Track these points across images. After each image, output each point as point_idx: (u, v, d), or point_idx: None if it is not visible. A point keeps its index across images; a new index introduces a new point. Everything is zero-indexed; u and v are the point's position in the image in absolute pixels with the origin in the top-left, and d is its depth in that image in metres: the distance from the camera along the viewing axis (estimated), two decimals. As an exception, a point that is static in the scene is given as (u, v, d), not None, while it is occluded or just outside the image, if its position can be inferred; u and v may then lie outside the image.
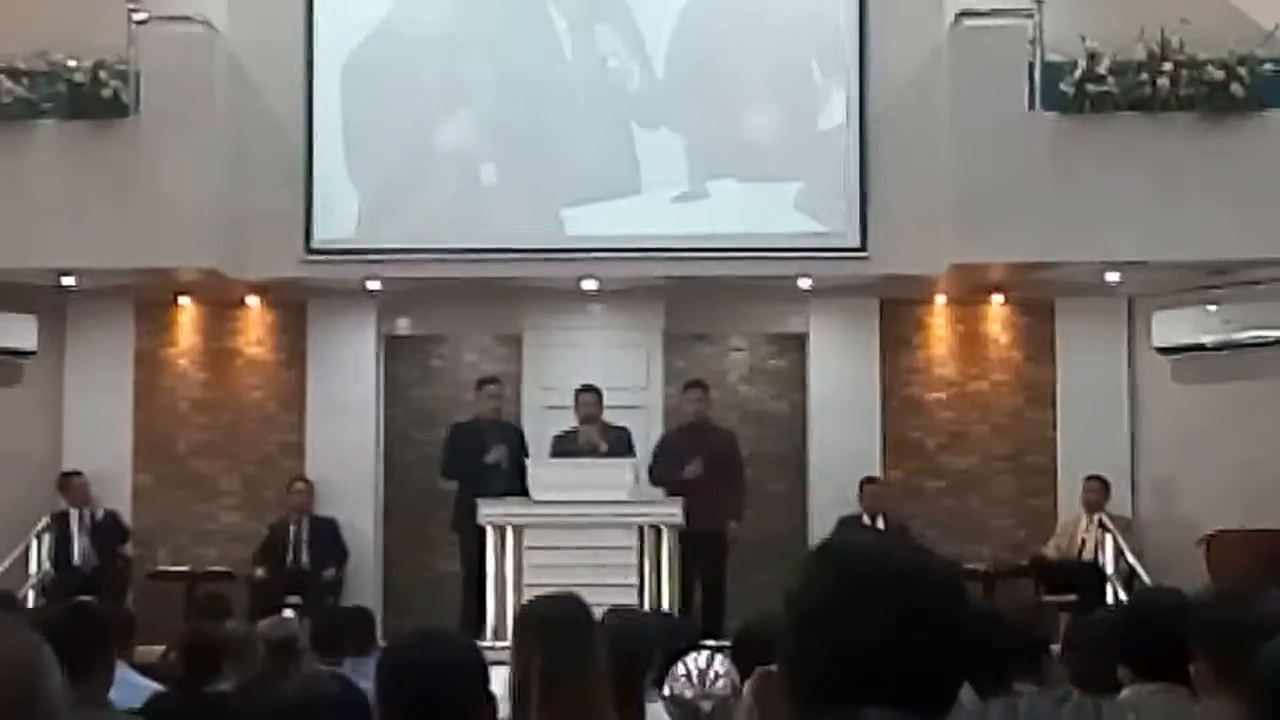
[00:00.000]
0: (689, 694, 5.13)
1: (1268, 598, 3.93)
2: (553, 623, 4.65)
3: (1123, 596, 13.59)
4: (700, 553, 13.89)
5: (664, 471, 14.32)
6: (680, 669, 5.22)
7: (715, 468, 14.29)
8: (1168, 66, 13.92)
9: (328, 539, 15.21)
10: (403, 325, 16.23)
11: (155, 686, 7.27)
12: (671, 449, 14.55)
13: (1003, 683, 5.87)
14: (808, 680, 2.15)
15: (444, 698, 3.86)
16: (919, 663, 2.11)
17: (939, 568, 2.21)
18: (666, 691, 5.21)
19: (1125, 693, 4.53)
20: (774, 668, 2.25)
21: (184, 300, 15.81)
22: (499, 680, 4.81)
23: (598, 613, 5.27)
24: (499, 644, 11.19)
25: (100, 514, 15.12)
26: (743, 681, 5.12)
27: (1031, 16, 14.11)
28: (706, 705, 5.10)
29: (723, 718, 5.06)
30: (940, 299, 15.72)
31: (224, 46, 14.74)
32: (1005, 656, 5.95)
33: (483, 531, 13.17)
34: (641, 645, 5.52)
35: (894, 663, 2.10)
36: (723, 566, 14.32)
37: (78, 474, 15.24)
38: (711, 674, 5.16)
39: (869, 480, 15.14)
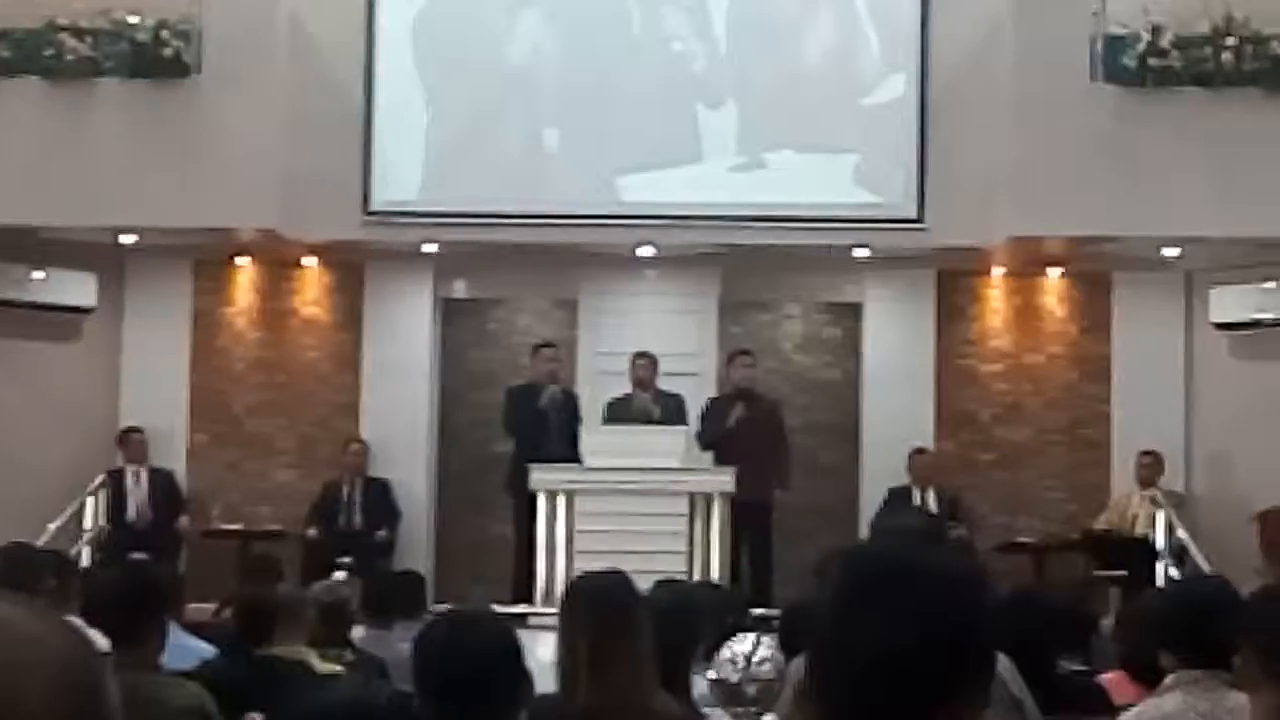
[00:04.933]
0: (734, 678, 5.15)
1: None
2: (599, 600, 4.68)
3: (1174, 573, 13.56)
4: (746, 521, 13.89)
5: (711, 431, 14.36)
6: (725, 652, 5.24)
7: (759, 434, 14.30)
8: (1231, 41, 13.82)
9: (380, 500, 15.29)
10: (459, 288, 16.28)
11: (207, 648, 7.35)
12: (717, 411, 14.59)
13: (1047, 661, 5.89)
14: (828, 684, 2.17)
15: (479, 680, 3.90)
16: (940, 666, 2.13)
17: (961, 570, 2.23)
18: (711, 675, 5.24)
19: (1167, 679, 4.54)
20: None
21: (241, 260, 15.89)
22: (547, 649, 4.86)
23: (647, 582, 5.31)
24: (547, 609, 11.26)
25: (153, 473, 15.22)
26: (788, 661, 5.15)
27: (1094, -11, 14.04)
28: (751, 689, 5.12)
29: (767, 701, 5.08)
30: (997, 271, 15.68)
31: (286, 7, 14.76)
32: (1050, 635, 5.96)
33: (534, 495, 13.22)
34: (689, 620, 5.55)
35: (910, 665, 2.11)
36: (769, 536, 14.35)
37: (138, 430, 15.35)
38: (757, 658, 5.18)
39: (919, 451, 15.13)
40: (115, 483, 15.11)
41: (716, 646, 5.35)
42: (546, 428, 14.38)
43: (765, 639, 5.34)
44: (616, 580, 4.77)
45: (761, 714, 5.09)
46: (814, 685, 2.19)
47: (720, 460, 13.94)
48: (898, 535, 4.91)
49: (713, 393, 15.31)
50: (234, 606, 7.10)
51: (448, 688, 3.89)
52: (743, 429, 14.29)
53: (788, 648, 5.28)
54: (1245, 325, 14.96)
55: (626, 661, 4.56)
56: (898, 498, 14.74)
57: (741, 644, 5.25)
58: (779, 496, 14.47)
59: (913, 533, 5.01)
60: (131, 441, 15.31)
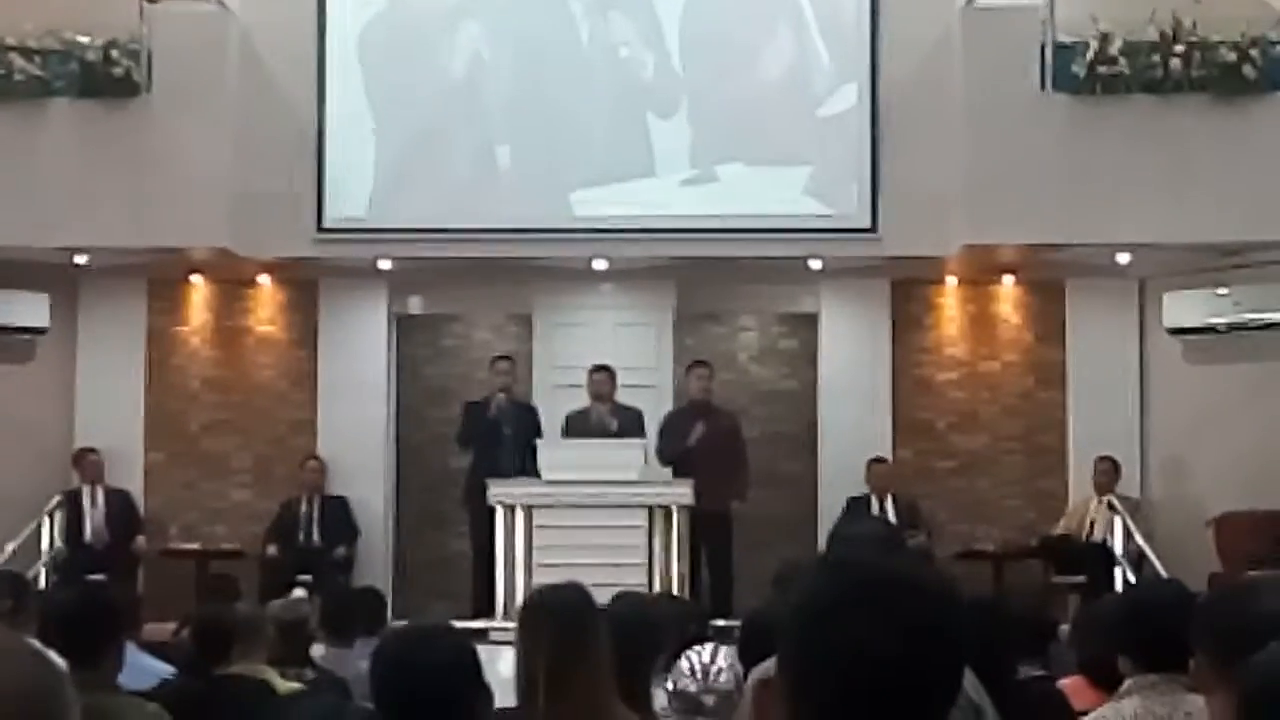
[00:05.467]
0: (692, 688, 5.15)
1: (1269, 595, 3.95)
2: (557, 613, 4.67)
3: (1131, 578, 13.60)
4: (705, 533, 13.93)
5: (669, 445, 14.38)
6: (684, 663, 5.23)
7: (718, 448, 14.34)
8: (1180, 48, 13.90)
9: (339, 517, 15.26)
10: (414, 304, 16.26)
11: (165, 668, 7.32)
12: (676, 427, 14.61)
13: (1007, 669, 5.89)
14: (807, 693, 2.17)
15: (438, 694, 3.90)
16: (918, 673, 2.14)
17: (938, 580, 2.24)
18: (670, 685, 5.23)
19: (1125, 683, 4.56)
20: (769, 671, 2.27)
21: (196, 279, 15.84)
22: (507, 663, 4.85)
23: (606, 594, 5.30)
24: (508, 624, 11.24)
25: (109, 493, 15.15)
26: (747, 673, 5.15)
27: (1043, -2, 14.12)
28: (709, 700, 5.11)
29: (726, 712, 5.08)
30: (951, 280, 15.72)
31: (236, 25, 14.75)
32: (1009, 641, 5.97)
33: (493, 510, 13.21)
34: (649, 632, 5.54)
35: (893, 676, 2.12)
36: (729, 547, 14.38)
37: (93, 451, 15.29)
38: (715, 668, 5.18)
39: (877, 460, 15.14)
40: (72, 503, 15.04)
41: (675, 657, 5.34)
42: (500, 441, 14.39)
43: (723, 649, 5.33)
44: (575, 593, 4.76)
45: (720, 724, 5.09)
46: (791, 687, 2.19)
47: (679, 473, 13.96)
48: (857, 543, 4.90)
49: (669, 405, 15.33)
50: (191, 626, 7.09)
51: (406, 703, 3.88)
52: (701, 441, 14.31)
53: (747, 658, 5.28)
54: (1199, 330, 15.02)
55: (586, 674, 4.55)
56: (856, 506, 14.75)
57: (700, 654, 5.24)
58: (737, 508, 14.50)
59: (872, 540, 5.01)
60: (87, 462, 15.24)
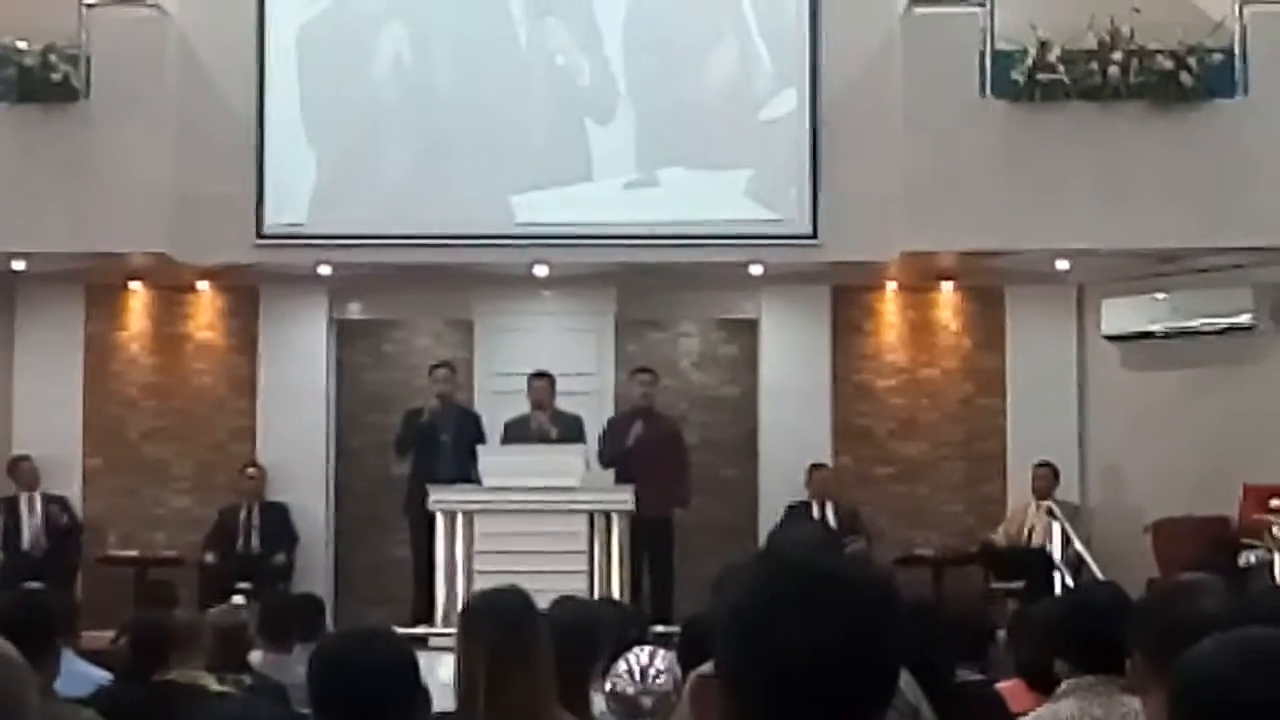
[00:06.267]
0: (630, 690, 5.15)
1: (1205, 595, 3.98)
2: (497, 617, 4.66)
3: (1070, 583, 13.65)
4: (647, 539, 13.96)
5: (609, 447, 14.41)
6: (621, 665, 5.23)
7: (660, 454, 14.37)
8: (1118, 56, 13.99)
9: (278, 524, 15.21)
10: (354, 310, 16.21)
11: (102, 675, 7.27)
12: (617, 430, 14.64)
13: (945, 671, 5.91)
14: (746, 689, 2.17)
15: (375, 697, 3.89)
16: (857, 672, 2.14)
17: (877, 577, 2.25)
18: (608, 687, 5.23)
19: (1062, 685, 4.58)
20: (708, 671, 2.26)
21: (134, 285, 15.76)
22: (448, 669, 4.84)
23: (547, 600, 5.29)
24: (448, 630, 11.21)
25: (50, 501, 15.05)
26: (685, 675, 5.14)
27: (983, 4, 14.18)
28: (647, 701, 5.12)
29: (664, 713, 5.08)
30: (891, 286, 15.77)
31: (175, 31, 14.70)
32: (948, 645, 5.99)
33: (433, 517, 13.19)
34: (589, 636, 5.53)
35: (833, 672, 2.12)
36: (670, 553, 14.41)
37: (26, 458, 15.20)
38: (653, 670, 5.18)
39: (817, 466, 15.17)
40: (9, 511, 14.96)
41: (615, 659, 5.35)
42: (438, 448, 14.38)
43: (661, 652, 5.34)
44: (514, 597, 4.76)
45: (657, 726, 5.09)
46: (728, 684, 2.20)
47: (621, 478, 13.97)
48: (796, 546, 4.91)
49: (610, 411, 15.35)
50: (129, 631, 7.04)
51: (344, 705, 3.87)
52: (643, 447, 14.34)
53: (686, 662, 5.28)
54: (1137, 336, 15.13)
55: (525, 678, 4.55)
56: (796, 512, 14.79)
57: (638, 657, 5.24)
58: (678, 515, 14.52)
59: (810, 545, 5.02)
60: (21, 469, 15.15)
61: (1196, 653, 2.34)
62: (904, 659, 2.26)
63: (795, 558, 2.27)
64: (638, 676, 5.17)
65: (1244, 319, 14.55)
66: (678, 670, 5.23)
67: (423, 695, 4.04)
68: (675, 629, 8.54)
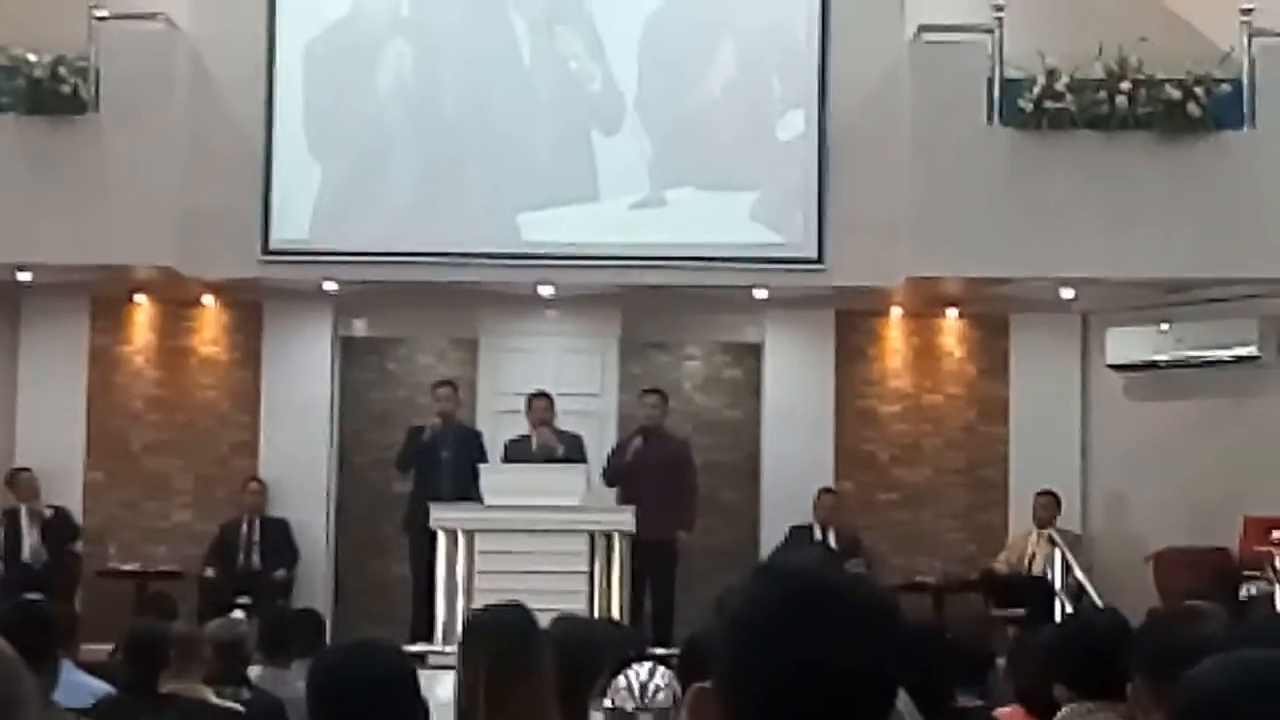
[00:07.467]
0: (629, 706, 5.14)
1: (1205, 620, 3.98)
2: (498, 633, 4.65)
3: (1070, 612, 13.63)
4: (650, 561, 13.94)
5: (613, 466, 14.45)
6: (621, 681, 5.23)
7: (667, 476, 14.37)
8: (1125, 85, 13.99)
9: (279, 540, 15.20)
10: (359, 327, 16.22)
11: (102, 686, 7.26)
12: (621, 447, 14.73)
13: (944, 695, 5.90)
14: (743, 699, 2.17)
15: (374, 708, 3.89)
16: (854, 684, 2.14)
17: (878, 590, 2.25)
18: (607, 703, 5.22)
19: (1062, 711, 4.57)
20: (709, 683, 2.26)
21: (139, 298, 15.77)
22: (447, 688, 4.84)
23: (547, 619, 5.29)
24: (447, 648, 11.22)
25: (49, 511, 15.03)
26: (684, 691, 5.14)
27: (991, 32, 14.17)
28: (646, 718, 5.11)
29: (663, 730, 5.08)
30: (896, 312, 15.77)
31: (185, 45, 14.71)
32: (948, 669, 5.98)
33: (434, 534, 13.18)
34: (589, 654, 5.52)
35: (831, 684, 2.12)
36: (672, 575, 14.39)
37: (25, 470, 15.17)
38: (652, 687, 5.17)
39: (826, 491, 15.16)
40: (10, 522, 14.95)
41: (615, 676, 5.34)
42: (439, 466, 14.38)
43: (661, 668, 5.33)
44: (516, 613, 4.75)
45: (657, 743, 5.09)
46: (726, 692, 2.19)
47: (625, 499, 13.98)
48: (816, 545, 4.92)
49: (614, 432, 15.41)
50: (127, 640, 7.02)
51: (343, 716, 3.87)
52: (648, 468, 14.33)
53: (686, 681, 5.27)
54: (1141, 366, 15.12)
55: (526, 694, 4.54)
56: (799, 535, 14.78)
57: (638, 673, 5.24)
58: (681, 537, 14.51)
59: (813, 562, 5.01)
60: (20, 481, 15.11)
61: (1198, 673, 2.34)
62: (904, 677, 2.26)
63: (796, 569, 2.26)
64: (637, 692, 5.16)
65: (1249, 350, 14.55)
66: (677, 687, 5.22)
67: (422, 708, 4.04)
68: (674, 651, 8.54)
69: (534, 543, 12.70)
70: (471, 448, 14.54)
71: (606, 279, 14.98)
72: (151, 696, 6.45)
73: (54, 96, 14.18)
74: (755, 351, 16.12)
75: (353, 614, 15.42)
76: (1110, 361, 15.25)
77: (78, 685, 6.92)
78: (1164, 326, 14.94)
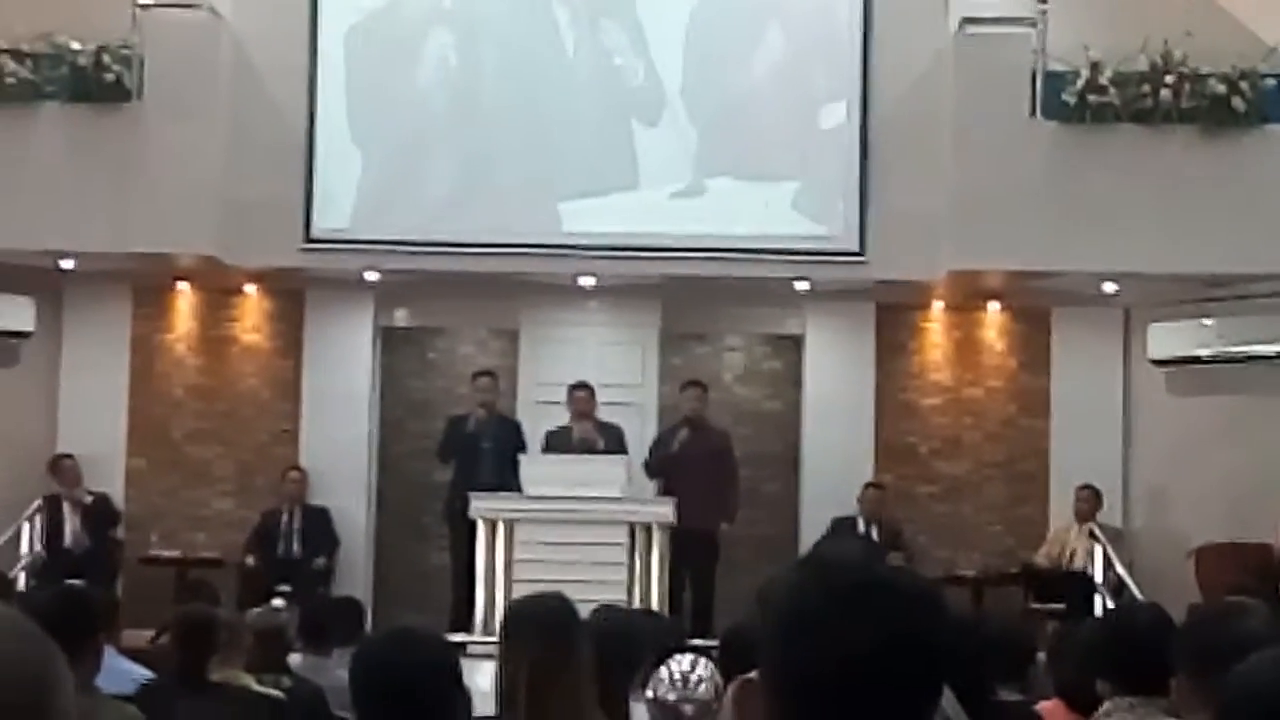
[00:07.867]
0: (671, 697, 5.14)
1: (1248, 617, 3.96)
2: (539, 623, 4.66)
3: (1111, 606, 13.59)
4: (691, 553, 13.91)
5: (656, 456, 14.45)
6: (663, 671, 5.23)
7: (709, 467, 14.35)
8: (1170, 79, 13.94)
9: (319, 528, 15.23)
10: (400, 317, 16.24)
11: (142, 672, 7.29)
12: (665, 439, 14.73)
13: (985, 689, 5.89)
14: (789, 690, 2.17)
15: (417, 695, 3.89)
16: (901, 677, 2.14)
17: (923, 583, 2.25)
18: (649, 694, 5.22)
19: (1104, 706, 4.56)
20: (754, 675, 2.26)
21: (182, 286, 15.82)
22: (486, 677, 4.85)
23: (586, 610, 5.29)
24: (487, 638, 11.25)
25: (90, 497, 15.09)
26: (726, 685, 5.14)
27: (1035, 25, 14.14)
28: (688, 709, 5.11)
29: (705, 721, 5.08)
30: (937, 305, 15.74)
31: (228, 33, 14.74)
32: (988, 663, 5.97)
33: (474, 524, 13.20)
34: (629, 645, 5.53)
35: (877, 676, 2.12)
36: (713, 567, 14.37)
37: (68, 457, 15.24)
38: (695, 677, 5.18)
39: (874, 485, 15.14)
40: (52, 509, 15.00)
41: (655, 667, 5.34)
42: (479, 456, 14.39)
43: (703, 659, 5.33)
44: (557, 602, 4.76)
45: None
46: (772, 685, 2.19)
47: (667, 491, 13.98)
48: (858, 538, 4.91)
49: (654, 423, 15.40)
50: (177, 625, 7.03)
51: (386, 703, 3.88)
52: (690, 459, 14.32)
53: (727, 672, 5.27)
54: (1183, 361, 15.05)
55: (566, 684, 4.54)
56: (841, 526, 14.76)
57: (679, 663, 5.24)
58: (722, 529, 14.49)
59: (857, 554, 5.01)
60: (63, 468, 15.18)
61: (1245, 669, 2.33)
62: (946, 671, 2.26)
63: (841, 561, 2.26)
64: (679, 683, 5.17)
65: (1291, 346, 14.49)
66: (719, 678, 5.22)
67: (464, 696, 4.04)
68: (713, 643, 8.54)
69: (574, 534, 12.73)
70: (512, 438, 14.56)
71: (647, 269, 14.97)
72: (200, 683, 6.47)
73: (97, 85, 14.23)
74: (796, 343, 16.10)
75: (392, 602, 15.44)
76: (1152, 356, 15.19)
77: (120, 671, 6.95)
78: (1206, 321, 14.88)
